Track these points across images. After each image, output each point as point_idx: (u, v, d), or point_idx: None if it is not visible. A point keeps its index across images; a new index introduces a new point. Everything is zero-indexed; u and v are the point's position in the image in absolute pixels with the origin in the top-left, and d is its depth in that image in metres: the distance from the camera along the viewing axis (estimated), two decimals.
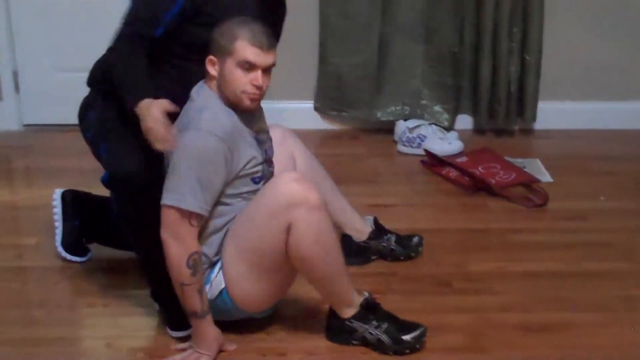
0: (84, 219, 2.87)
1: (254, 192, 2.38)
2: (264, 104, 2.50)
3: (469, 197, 3.42)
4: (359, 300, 2.39)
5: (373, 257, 2.88)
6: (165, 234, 2.24)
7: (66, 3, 3.96)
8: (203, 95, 2.34)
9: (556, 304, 2.65)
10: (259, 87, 2.29)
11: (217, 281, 2.37)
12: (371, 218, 2.92)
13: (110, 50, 2.41)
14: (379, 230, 2.90)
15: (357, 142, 4.07)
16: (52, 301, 2.68)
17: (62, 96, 4.00)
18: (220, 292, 2.37)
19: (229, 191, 2.34)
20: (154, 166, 2.30)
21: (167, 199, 2.24)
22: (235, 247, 2.33)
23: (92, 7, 3.94)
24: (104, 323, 2.59)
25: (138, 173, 2.28)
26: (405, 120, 3.99)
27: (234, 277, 2.35)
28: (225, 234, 2.36)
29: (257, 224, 2.30)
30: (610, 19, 4.06)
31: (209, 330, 2.34)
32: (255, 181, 2.38)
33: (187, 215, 2.23)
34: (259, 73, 2.28)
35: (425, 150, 3.78)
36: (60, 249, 2.87)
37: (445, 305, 2.62)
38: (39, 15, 3.99)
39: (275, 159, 2.53)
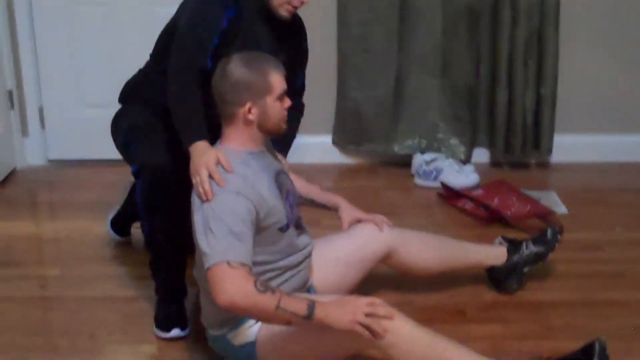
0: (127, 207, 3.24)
1: (283, 242, 2.36)
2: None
3: (485, 229, 3.44)
4: None
5: (525, 270, 2.87)
6: (222, 296, 2.09)
7: (91, 40, 4.04)
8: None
9: (570, 333, 2.67)
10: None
11: (250, 331, 2.31)
12: (498, 238, 2.95)
13: (169, 82, 2.49)
14: (512, 244, 2.90)
15: (375, 176, 4.12)
16: (73, 330, 2.73)
17: (87, 132, 4.11)
18: (247, 342, 2.31)
19: (260, 248, 2.27)
20: (178, 159, 2.47)
21: (209, 261, 2.14)
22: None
23: (116, 44, 4.02)
24: (124, 351, 2.64)
25: (166, 164, 2.53)
26: (422, 153, 4.03)
27: (268, 341, 2.28)
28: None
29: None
30: (625, 51, 4.09)
31: (330, 306, 2.12)
32: (282, 230, 2.34)
33: (233, 267, 2.11)
34: (286, 96, 2.35)
35: (442, 183, 3.82)
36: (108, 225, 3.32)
37: (461, 334, 2.61)
38: (64, 52, 4.07)
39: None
